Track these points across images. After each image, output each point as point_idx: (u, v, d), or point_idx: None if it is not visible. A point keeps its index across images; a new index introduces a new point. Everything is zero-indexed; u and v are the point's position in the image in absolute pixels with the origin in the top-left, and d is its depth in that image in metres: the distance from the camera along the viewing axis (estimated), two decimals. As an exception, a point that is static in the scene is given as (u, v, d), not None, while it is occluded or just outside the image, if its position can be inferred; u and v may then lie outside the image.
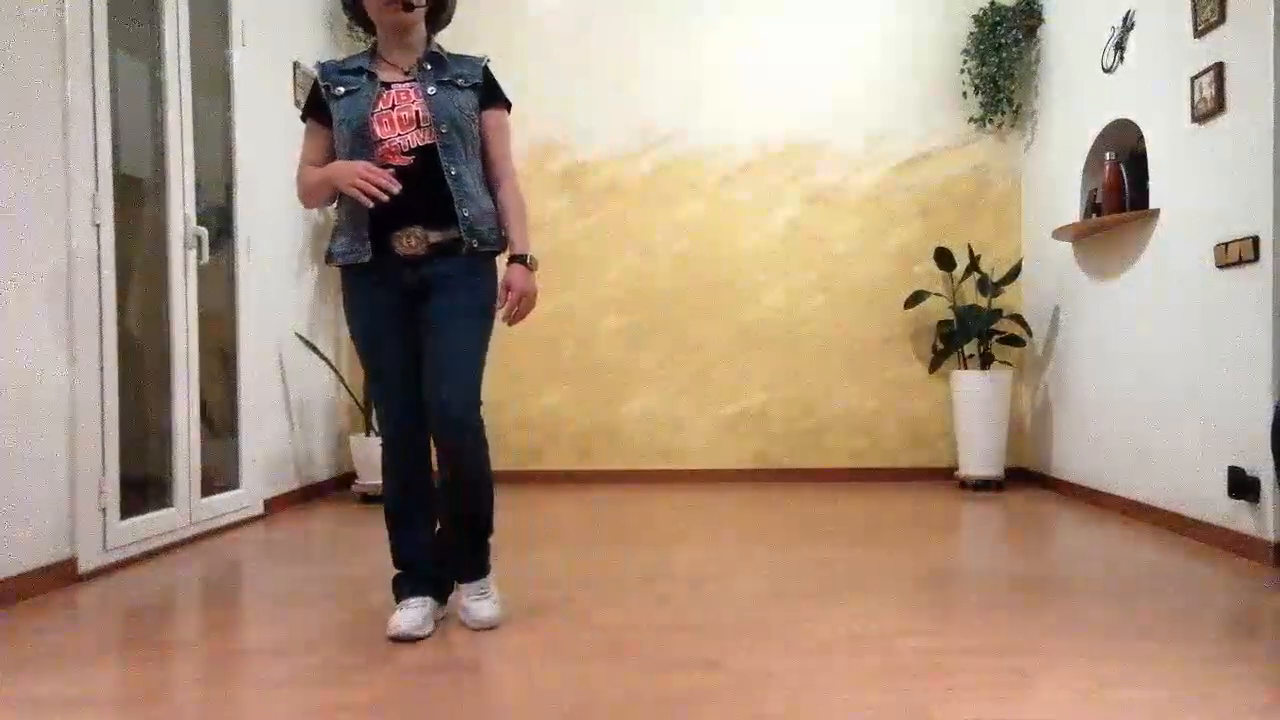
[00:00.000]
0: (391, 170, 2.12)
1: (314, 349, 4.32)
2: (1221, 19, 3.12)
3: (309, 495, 4.51)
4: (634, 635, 2.20)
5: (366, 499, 4.40)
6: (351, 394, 4.60)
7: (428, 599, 2.26)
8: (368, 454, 4.34)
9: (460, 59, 2.29)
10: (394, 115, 2.16)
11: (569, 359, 5.02)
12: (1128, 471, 3.82)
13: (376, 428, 4.38)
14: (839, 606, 2.44)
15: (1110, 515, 3.85)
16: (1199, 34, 3.26)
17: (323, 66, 2.25)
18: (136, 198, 3.21)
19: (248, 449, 3.89)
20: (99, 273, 2.93)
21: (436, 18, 2.32)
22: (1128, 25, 3.79)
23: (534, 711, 1.71)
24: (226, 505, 3.70)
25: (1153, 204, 3.61)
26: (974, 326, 4.55)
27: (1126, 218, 3.70)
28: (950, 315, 4.81)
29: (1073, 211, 4.27)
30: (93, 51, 2.91)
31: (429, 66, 2.24)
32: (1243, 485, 3.01)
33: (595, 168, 5.02)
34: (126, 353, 3.10)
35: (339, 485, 4.88)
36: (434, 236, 2.17)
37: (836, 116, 4.99)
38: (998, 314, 4.55)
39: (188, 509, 3.42)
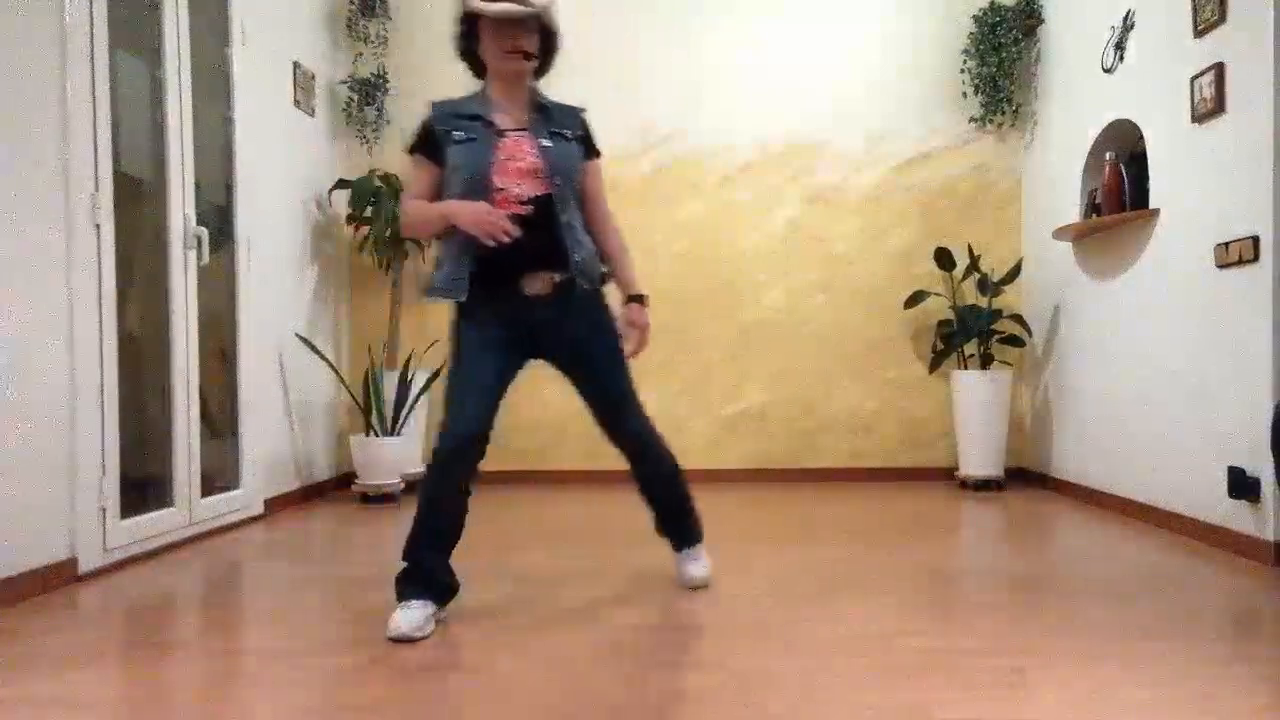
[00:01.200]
0: (508, 216, 2.26)
1: (314, 349, 4.32)
2: (1221, 19, 3.13)
3: (309, 495, 4.51)
4: (634, 635, 2.20)
5: (366, 499, 4.40)
6: (351, 394, 4.60)
7: (428, 601, 2.27)
8: (368, 454, 4.34)
9: (561, 109, 2.45)
10: (510, 166, 2.30)
11: (569, 359, 5.02)
12: (1128, 471, 3.82)
13: (376, 428, 4.40)
14: (839, 606, 2.44)
15: (1110, 515, 3.85)
16: (1199, 34, 3.27)
17: (436, 108, 2.37)
18: (136, 198, 3.21)
19: (248, 449, 3.89)
20: (99, 273, 2.93)
21: (541, 65, 2.46)
22: (1128, 25, 3.79)
23: (534, 711, 1.71)
24: (226, 505, 3.70)
25: (1153, 204, 3.61)
26: (974, 326, 4.55)
27: (1126, 218, 3.70)
28: (950, 315, 4.81)
29: (1073, 211, 4.27)
30: (93, 51, 2.91)
31: (539, 118, 2.39)
32: (1243, 485, 3.01)
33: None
34: (126, 353, 3.10)
35: (339, 485, 4.88)
36: (558, 278, 2.34)
37: (836, 116, 4.99)
38: (998, 314, 4.55)
39: (188, 509, 3.42)
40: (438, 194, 2.38)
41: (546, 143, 2.34)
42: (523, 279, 2.32)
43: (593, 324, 2.43)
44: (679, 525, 2.67)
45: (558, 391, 5.01)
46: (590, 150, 2.47)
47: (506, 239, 2.20)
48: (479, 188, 2.26)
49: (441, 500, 2.28)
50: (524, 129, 2.35)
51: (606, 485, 4.90)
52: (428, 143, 2.35)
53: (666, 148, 5.00)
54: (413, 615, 2.20)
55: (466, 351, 2.31)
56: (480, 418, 2.26)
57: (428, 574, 2.29)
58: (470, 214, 2.21)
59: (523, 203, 2.29)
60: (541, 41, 2.38)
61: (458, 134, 2.31)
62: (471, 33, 2.35)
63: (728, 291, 5.00)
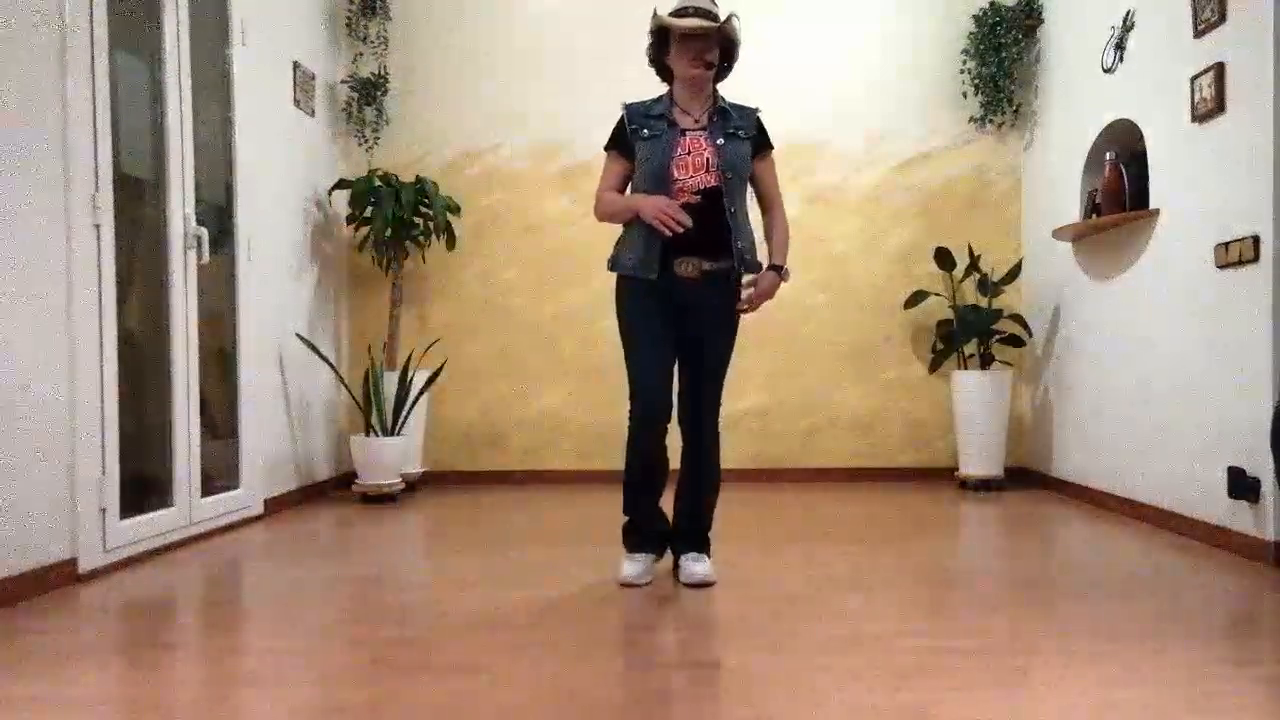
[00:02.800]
0: (681, 204, 2.57)
1: (314, 349, 4.32)
2: (1221, 19, 3.13)
3: (309, 495, 4.51)
4: (634, 635, 2.20)
5: (367, 499, 4.40)
6: (351, 394, 4.60)
7: (650, 556, 2.78)
8: (368, 454, 4.34)
9: (739, 110, 2.74)
10: (689, 160, 2.62)
11: (569, 359, 5.02)
12: (1128, 471, 3.82)
13: (377, 428, 4.40)
14: (839, 606, 2.44)
15: (1110, 515, 3.85)
16: (1199, 34, 3.26)
17: (629, 109, 2.72)
18: (136, 198, 3.21)
19: (248, 449, 3.89)
20: (99, 273, 2.93)
21: (721, 71, 2.76)
22: (1128, 25, 3.79)
23: (534, 711, 1.71)
24: (226, 505, 3.70)
25: (1153, 204, 3.61)
26: (974, 326, 4.55)
27: (1126, 218, 3.70)
28: (950, 315, 4.81)
29: (1073, 211, 4.27)
30: (93, 51, 2.90)
31: (717, 119, 2.69)
32: (1243, 485, 3.00)
33: (595, 168, 5.01)
34: (126, 353, 3.10)
35: (339, 485, 4.88)
36: (707, 265, 2.62)
37: (836, 116, 4.99)
38: (998, 314, 4.55)
39: (188, 509, 3.42)
40: (625, 185, 2.75)
41: (721, 141, 2.64)
42: (676, 262, 2.60)
43: (730, 311, 2.69)
44: (692, 530, 2.81)
45: (553, 392, 5.02)
46: (764, 145, 2.74)
47: (680, 230, 2.52)
48: (661, 178, 2.61)
49: (643, 464, 2.74)
50: (703, 128, 2.66)
51: (601, 485, 4.90)
52: (620, 140, 2.71)
53: (666, 148, 5.00)
54: (637, 567, 2.71)
55: (633, 330, 2.68)
56: (659, 400, 2.65)
57: (645, 529, 2.79)
58: (650, 207, 2.55)
59: (696, 193, 2.59)
60: (723, 51, 2.69)
61: (645, 131, 2.66)
62: (661, 44, 2.69)
63: (728, 291, 5.00)
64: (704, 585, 2.68)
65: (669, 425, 2.71)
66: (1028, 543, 3.29)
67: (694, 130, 2.66)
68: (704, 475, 2.78)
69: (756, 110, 2.77)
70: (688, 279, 2.62)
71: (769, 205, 2.79)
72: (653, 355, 2.65)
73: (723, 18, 2.64)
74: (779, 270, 2.71)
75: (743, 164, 2.66)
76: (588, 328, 5.02)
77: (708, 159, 2.61)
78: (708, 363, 2.71)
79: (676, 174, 2.61)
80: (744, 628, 2.25)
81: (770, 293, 2.69)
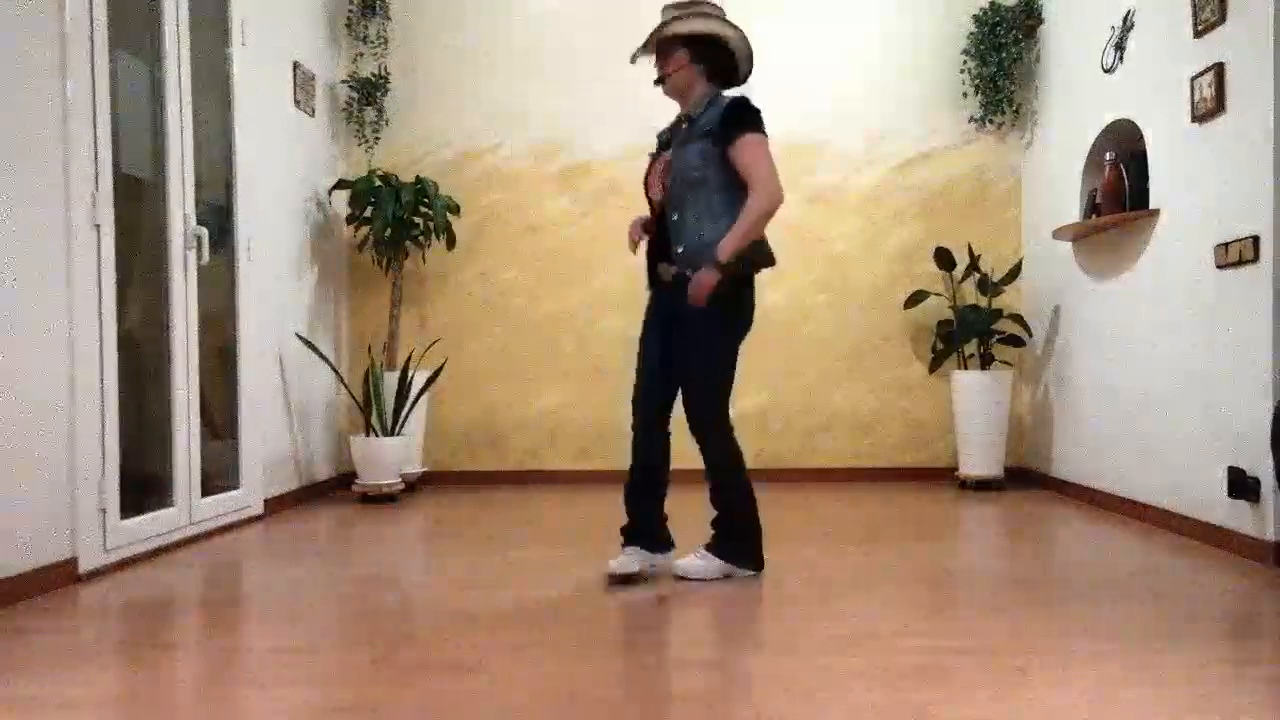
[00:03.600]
0: (645, 219, 2.87)
1: (314, 349, 4.32)
2: (1221, 19, 3.13)
3: (309, 495, 4.51)
4: (634, 635, 2.20)
5: (367, 499, 4.40)
6: (351, 394, 4.60)
7: (641, 550, 2.79)
8: (368, 454, 4.34)
9: (709, 109, 2.71)
10: (653, 178, 2.80)
11: (569, 359, 5.02)
12: (1128, 471, 3.82)
13: (377, 428, 4.40)
14: (839, 606, 2.44)
15: (1110, 515, 3.85)
16: (1199, 34, 3.26)
17: (658, 136, 2.90)
18: (136, 198, 3.21)
19: (248, 449, 3.89)
20: (99, 273, 2.93)
21: (728, 78, 2.81)
22: (1128, 25, 3.79)
23: (534, 711, 1.71)
24: (226, 505, 3.70)
25: (1153, 204, 3.61)
26: (974, 326, 4.55)
27: (1126, 218, 3.70)
28: (950, 315, 4.81)
29: (1073, 211, 4.27)
30: (93, 51, 2.91)
31: (684, 126, 2.76)
32: (1243, 485, 3.00)
33: (595, 168, 5.02)
34: (126, 353, 3.10)
35: (339, 485, 4.88)
36: (672, 270, 2.73)
37: (836, 116, 4.99)
38: (998, 314, 4.55)
39: (188, 509, 3.42)
40: None
41: (676, 150, 2.72)
42: (658, 269, 2.78)
43: (698, 317, 2.68)
44: (719, 527, 2.82)
45: (553, 392, 5.02)
46: (732, 136, 2.62)
47: (632, 247, 2.83)
48: (646, 198, 2.85)
49: (639, 465, 2.80)
50: (679, 141, 2.74)
51: (601, 485, 4.90)
52: None
53: (666, 148, 5.00)
54: (627, 560, 2.72)
55: (642, 333, 2.86)
56: (648, 405, 2.79)
57: (640, 526, 2.80)
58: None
59: (657, 203, 2.78)
60: (696, 51, 2.70)
61: (651, 154, 2.87)
62: None
63: (728, 291, 4.99)
64: (682, 578, 2.75)
65: (666, 432, 2.85)
66: (1028, 543, 3.29)
67: (674, 145, 2.77)
68: (710, 467, 2.81)
69: (725, 101, 2.68)
70: (664, 284, 2.77)
71: (748, 190, 2.65)
72: (645, 362, 2.82)
73: (671, 24, 2.72)
74: (712, 259, 2.59)
75: (689, 169, 2.66)
76: (587, 328, 5.01)
77: (661, 172, 2.76)
78: (688, 370, 2.75)
79: (649, 193, 2.82)
80: (744, 628, 2.25)
81: (696, 291, 2.60)
